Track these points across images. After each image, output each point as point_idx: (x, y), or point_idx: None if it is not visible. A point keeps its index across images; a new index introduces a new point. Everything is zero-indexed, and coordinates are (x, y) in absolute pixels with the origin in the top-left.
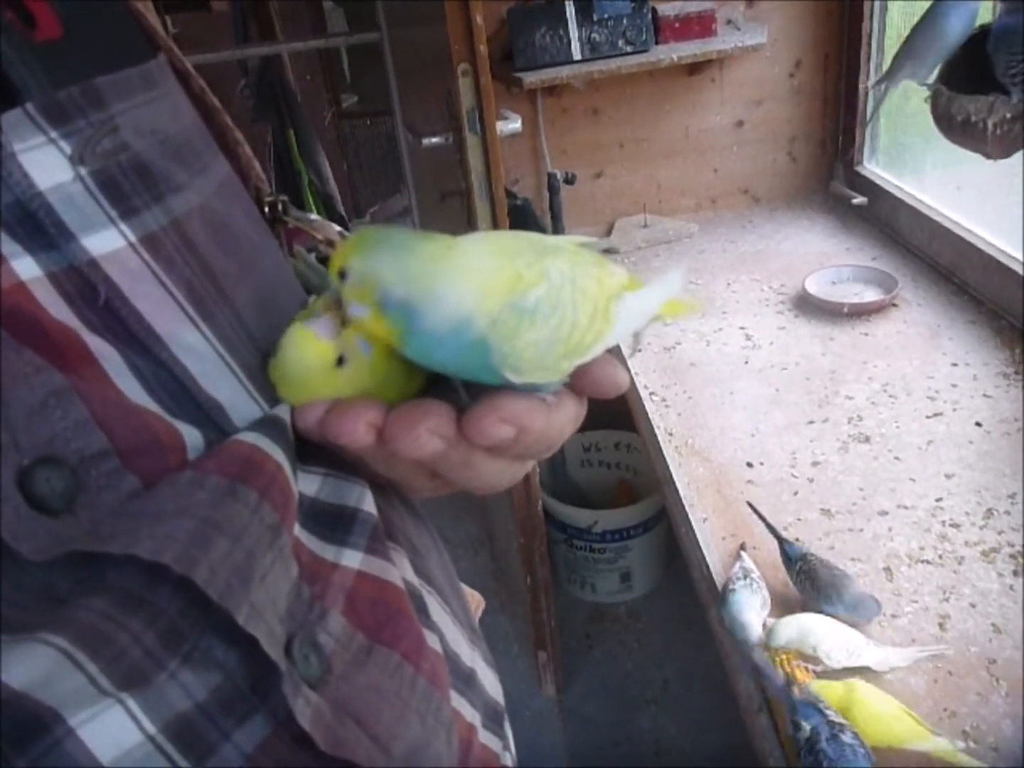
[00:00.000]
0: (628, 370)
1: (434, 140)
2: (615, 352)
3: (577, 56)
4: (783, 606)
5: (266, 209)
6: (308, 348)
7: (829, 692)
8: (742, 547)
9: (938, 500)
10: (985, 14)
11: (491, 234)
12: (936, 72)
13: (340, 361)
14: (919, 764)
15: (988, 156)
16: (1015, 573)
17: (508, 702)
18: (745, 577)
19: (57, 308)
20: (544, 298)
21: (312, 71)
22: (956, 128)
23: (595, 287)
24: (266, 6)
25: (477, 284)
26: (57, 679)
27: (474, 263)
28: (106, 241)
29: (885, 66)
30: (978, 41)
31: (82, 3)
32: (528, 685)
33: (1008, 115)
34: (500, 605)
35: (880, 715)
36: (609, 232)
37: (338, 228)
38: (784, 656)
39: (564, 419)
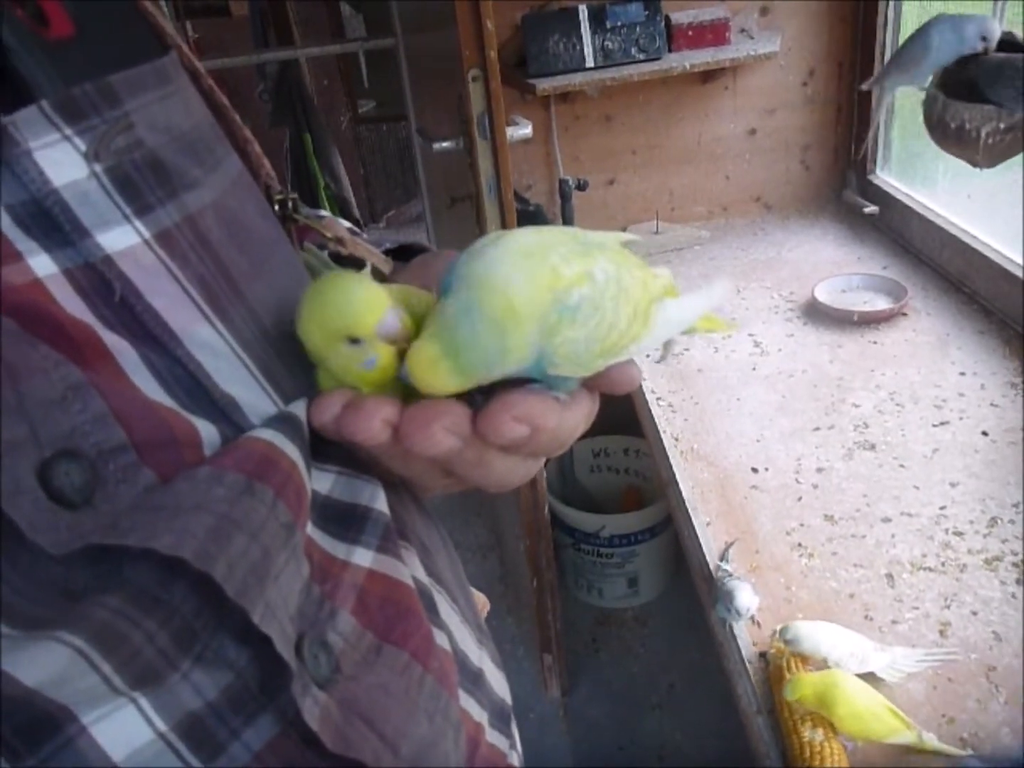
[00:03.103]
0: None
1: (445, 145)
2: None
3: (590, 63)
4: (785, 610)
5: (276, 207)
6: (363, 307)
7: (810, 685)
8: (727, 549)
9: (942, 508)
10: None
11: (536, 232)
12: (931, 78)
13: (352, 341)
14: (899, 758)
15: (975, 165)
16: (1017, 581)
17: (513, 704)
18: (729, 576)
19: (73, 305)
20: (587, 297)
21: (330, 76)
22: (949, 134)
23: (639, 289)
24: (285, 12)
25: (525, 295)
26: (71, 678)
27: (516, 280)
28: (121, 238)
29: None
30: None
31: (93, 2)
32: (533, 688)
33: (1001, 125)
34: (507, 608)
35: (861, 712)
36: None
37: (347, 224)
38: (795, 658)
39: (577, 417)
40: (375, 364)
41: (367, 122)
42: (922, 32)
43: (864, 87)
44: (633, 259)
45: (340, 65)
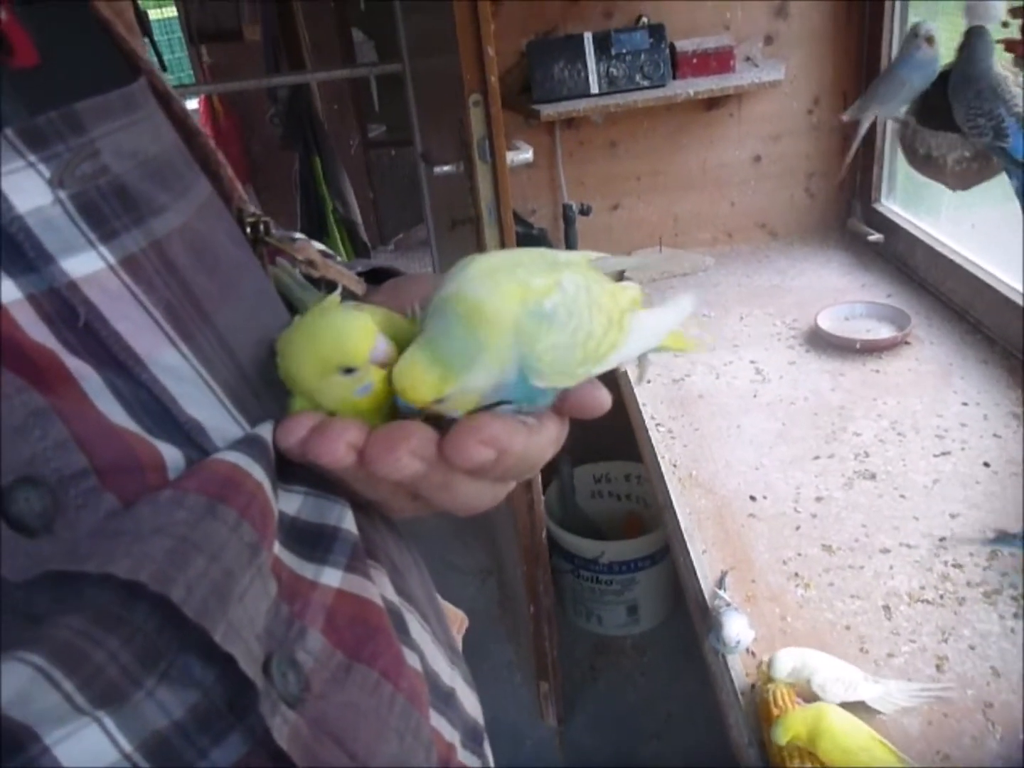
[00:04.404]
0: (636, 400)
1: (445, 168)
2: (618, 380)
3: (595, 90)
4: (780, 641)
5: (248, 229)
6: (358, 337)
7: (800, 722)
8: (723, 576)
9: (941, 540)
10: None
11: (503, 253)
12: (907, 105)
13: (347, 371)
14: None
15: (948, 187)
16: (1016, 615)
17: (509, 731)
18: (727, 605)
19: (37, 330)
20: (560, 304)
21: (341, 101)
22: (919, 159)
23: (608, 299)
24: (297, 37)
25: (494, 305)
26: (33, 697)
27: (489, 303)
28: (85, 263)
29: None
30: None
31: (61, 30)
32: (530, 715)
33: (966, 153)
34: (506, 634)
35: (848, 748)
36: None
37: (320, 247)
38: (782, 689)
39: (545, 441)
40: (370, 390)
41: (377, 146)
42: (894, 67)
43: (845, 118)
44: (599, 275)
45: (351, 90)
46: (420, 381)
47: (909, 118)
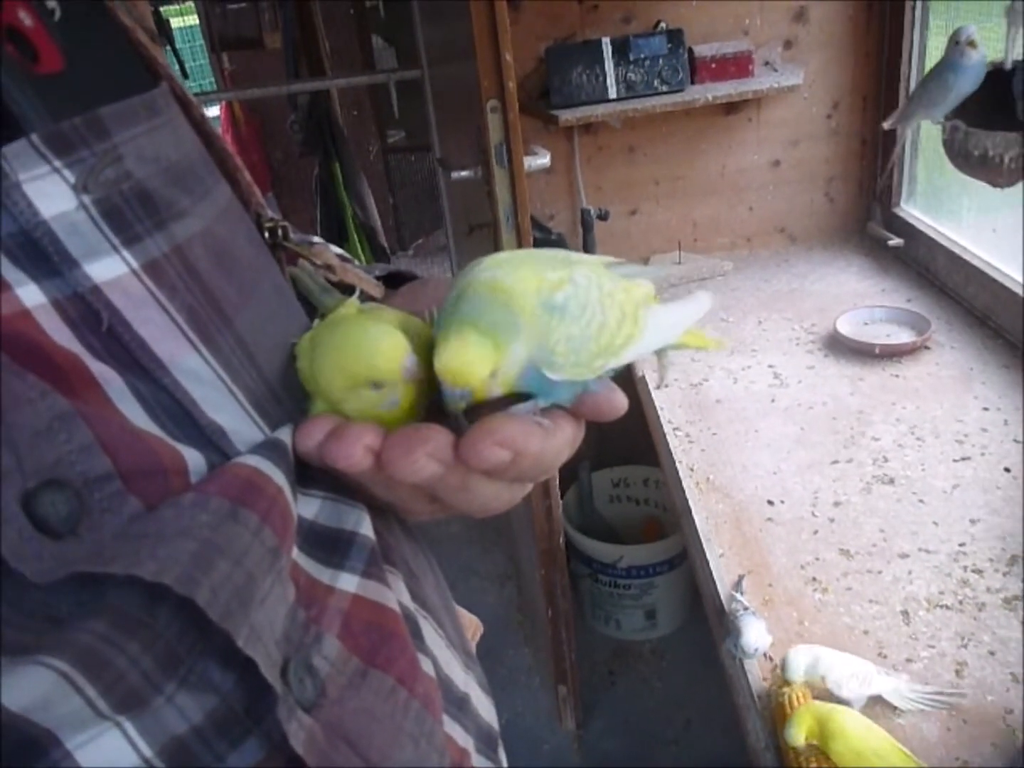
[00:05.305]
0: (653, 404)
1: (463, 174)
2: (636, 385)
3: (613, 95)
4: (797, 643)
5: (266, 234)
6: (390, 354)
7: (811, 716)
8: (740, 580)
9: (961, 545)
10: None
11: (515, 252)
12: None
13: (376, 386)
14: None
15: (997, 185)
16: None
17: (528, 736)
18: (745, 609)
19: (60, 334)
20: (572, 296)
21: (361, 107)
22: (973, 162)
23: (622, 293)
24: (317, 44)
25: (514, 285)
26: (56, 702)
27: (517, 290)
28: (108, 268)
29: None
30: (993, 77)
31: (84, 36)
32: (548, 720)
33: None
34: (524, 638)
35: (861, 751)
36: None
37: (337, 251)
38: (797, 692)
39: (560, 442)
40: (396, 405)
41: (396, 152)
42: (940, 72)
43: (887, 126)
44: (612, 274)
45: (371, 96)
46: (475, 356)
47: (957, 123)
